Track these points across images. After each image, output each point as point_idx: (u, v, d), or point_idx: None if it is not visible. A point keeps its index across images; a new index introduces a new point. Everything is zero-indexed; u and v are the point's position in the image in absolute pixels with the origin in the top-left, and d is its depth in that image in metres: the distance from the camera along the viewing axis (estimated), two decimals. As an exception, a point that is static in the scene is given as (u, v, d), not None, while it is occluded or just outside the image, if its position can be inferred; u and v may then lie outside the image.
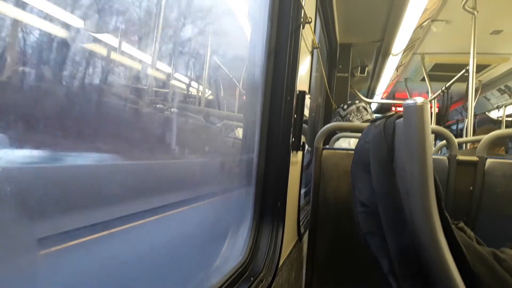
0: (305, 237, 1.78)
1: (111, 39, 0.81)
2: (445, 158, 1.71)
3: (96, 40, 0.76)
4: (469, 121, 3.35)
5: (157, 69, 1.13)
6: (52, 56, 0.64)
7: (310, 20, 1.47)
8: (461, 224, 1.01)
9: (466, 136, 3.83)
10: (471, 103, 3.33)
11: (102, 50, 0.81)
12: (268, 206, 1.29)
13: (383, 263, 0.92)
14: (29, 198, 0.56)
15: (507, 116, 6.32)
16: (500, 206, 1.60)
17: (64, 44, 0.67)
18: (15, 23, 0.56)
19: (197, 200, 1.26)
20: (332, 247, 1.66)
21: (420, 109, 0.72)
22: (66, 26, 0.66)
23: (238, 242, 1.21)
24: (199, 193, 1.27)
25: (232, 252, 1.17)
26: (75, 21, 0.68)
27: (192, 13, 1.22)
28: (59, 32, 0.66)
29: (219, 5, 1.38)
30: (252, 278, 1.08)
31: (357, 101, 2.86)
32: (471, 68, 3.30)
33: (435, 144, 4.36)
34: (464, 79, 3.72)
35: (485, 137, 1.71)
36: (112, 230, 0.81)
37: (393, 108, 7.00)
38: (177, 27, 1.14)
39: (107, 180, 0.84)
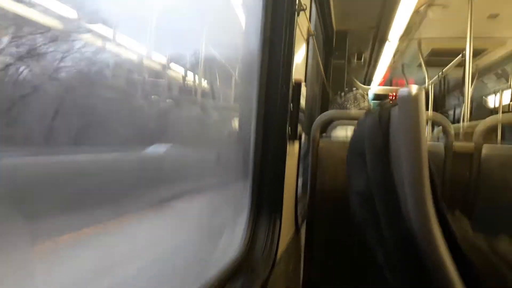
0: (303, 228, 1.78)
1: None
2: (441, 145, 1.70)
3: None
4: (466, 107, 3.35)
5: (152, 59, 1.11)
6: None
7: (305, 7, 1.45)
8: (457, 213, 1.01)
9: (463, 121, 3.83)
10: (468, 88, 3.32)
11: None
12: (265, 197, 1.29)
13: (378, 253, 0.92)
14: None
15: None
16: (497, 193, 1.60)
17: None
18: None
19: (194, 193, 1.25)
20: (330, 237, 1.67)
21: (414, 98, 0.71)
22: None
23: (235, 234, 1.21)
24: (195, 186, 1.26)
25: (229, 244, 1.17)
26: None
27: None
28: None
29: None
30: (249, 271, 1.08)
31: (354, 89, 2.85)
32: (468, 53, 3.29)
33: (432, 131, 4.35)
34: (461, 64, 3.72)
35: (481, 123, 1.71)
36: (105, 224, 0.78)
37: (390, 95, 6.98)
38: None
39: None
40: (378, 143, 0.93)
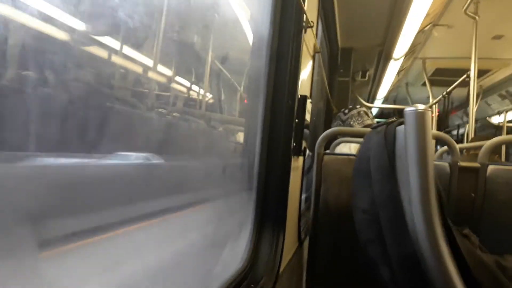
0: (306, 243, 1.77)
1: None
2: (446, 164, 1.70)
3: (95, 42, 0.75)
4: (470, 127, 3.35)
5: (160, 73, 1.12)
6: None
7: (312, 24, 1.46)
8: (466, 231, 1.01)
9: (467, 141, 3.82)
10: (472, 108, 3.33)
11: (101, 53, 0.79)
12: (269, 211, 1.29)
13: (383, 271, 0.91)
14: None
15: (508, 121, 6.31)
16: (503, 213, 1.59)
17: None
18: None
19: (199, 204, 1.24)
20: (333, 253, 1.65)
21: (421, 115, 0.72)
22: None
23: (239, 247, 1.20)
24: (200, 198, 1.25)
25: (232, 258, 1.16)
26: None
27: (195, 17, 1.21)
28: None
29: (223, 10, 1.37)
30: (252, 285, 1.07)
31: (358, 106, 2.86)
32: (472, 73, 3.31)
33: (436, 150, 4.36)
34: (465, 84, 3.73)
35: (487, 143, 1.71)
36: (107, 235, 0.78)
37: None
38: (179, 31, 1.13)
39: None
40: (384, 161, 0.93)
